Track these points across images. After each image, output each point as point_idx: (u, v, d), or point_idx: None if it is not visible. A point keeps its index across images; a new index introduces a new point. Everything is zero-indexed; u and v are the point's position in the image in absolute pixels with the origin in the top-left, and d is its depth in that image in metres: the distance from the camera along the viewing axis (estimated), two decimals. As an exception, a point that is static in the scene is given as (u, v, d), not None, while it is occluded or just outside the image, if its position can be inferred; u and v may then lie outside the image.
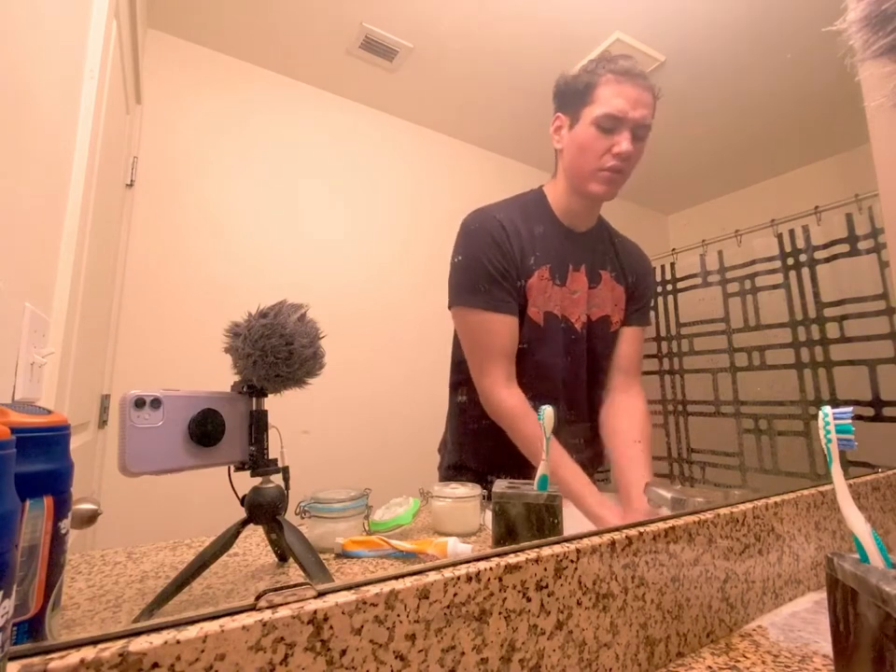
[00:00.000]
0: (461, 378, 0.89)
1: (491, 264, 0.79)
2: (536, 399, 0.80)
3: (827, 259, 1.66)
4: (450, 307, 0.84)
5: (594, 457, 0.88)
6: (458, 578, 0.32)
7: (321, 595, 0.28)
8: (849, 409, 0.35)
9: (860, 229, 1.59)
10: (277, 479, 0.48)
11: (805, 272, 1.72)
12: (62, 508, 0.30)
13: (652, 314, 2.20)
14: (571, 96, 0.82)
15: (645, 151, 0.81)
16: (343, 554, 0.57)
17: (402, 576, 0.31)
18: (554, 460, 0.74)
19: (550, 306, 0.82)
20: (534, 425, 0.72)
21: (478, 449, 0.88)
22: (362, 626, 0.28)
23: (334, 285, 1.60)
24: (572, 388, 0.84)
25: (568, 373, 0.84)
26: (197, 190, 1.47)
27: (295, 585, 0.28)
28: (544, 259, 0.82)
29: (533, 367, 0.82)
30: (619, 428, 0.83)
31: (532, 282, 0.81)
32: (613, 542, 0.40)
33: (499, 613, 0.33)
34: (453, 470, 0.91)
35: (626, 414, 0.85)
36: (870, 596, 0.33)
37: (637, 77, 0.78)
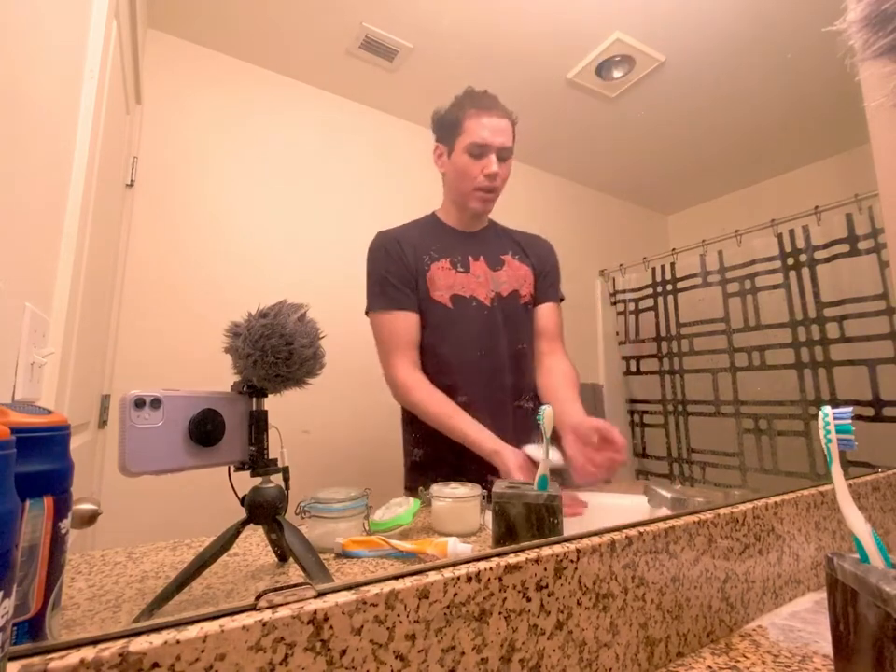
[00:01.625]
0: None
1: (387, 271, 0.93)
2: (461, 371, 0.91)
3: (827, 259, 1.66)
4: (366, 314, 0.96)
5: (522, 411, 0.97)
6: (458, 578, 0.32)
7: (321, 595, 0.28)
8: (849, 409, 0.35)
9: (860, 229, 1.59)
10: (277, 479, 0.48)
11: (805, 272, 1.72)
12: (62, 508, 0.30)
13: (652, 314, 2.21)
14: (445, 129, 0.96)
15: (510, 171, 0.96)
16: (343, 554, 0.57)
17: (402, 576, 0.31)
18: (446, 412, 0.84)
19: (456, 289, 0.94)
20: (429, 392, 0.87)
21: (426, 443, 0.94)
22: (362, 626, 0.28)
23: (334, 285, 1.60)
24: (493, 356, 0.95)
25: (486, 343, 0.94)
26: (197, 190, 1.47)
27: (295, 585, 0.28)
28: (442, 255, 0.95)
29: (452, 343, 0.93)
30: (547, 384, 0.96)
31: (431, 274, 0.93)
32: (613, 542, 0.40)
33: (499, 613, 0.33)
34: (413, 472, 0.95)
35: (552, 372, 0.97)
36: (870, 596, 0.33)
37: (495, 110, 0.93)
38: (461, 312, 0.93)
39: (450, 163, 0.96)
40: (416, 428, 0.93)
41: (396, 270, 0.93)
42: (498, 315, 0.95)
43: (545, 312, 1.02)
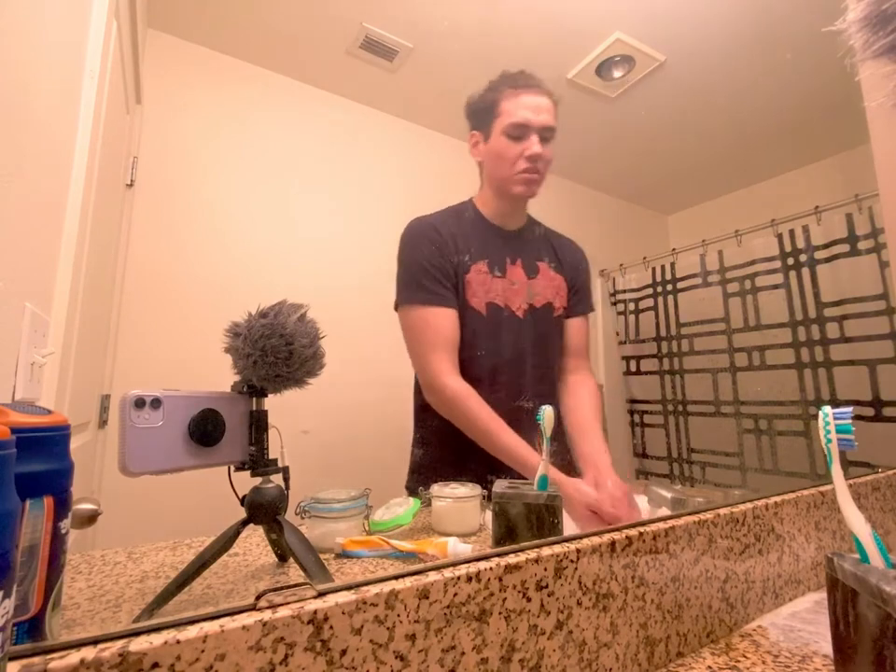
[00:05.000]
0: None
1: (428, 262, 0.86)
2: (482, 383, 0.85)
3: (827, 259, 1.66)
4: (395, 309, 0.90)
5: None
6: (458, 578, 0.32)
7: (321, 594, 0.28)
8: (849, 409, 0.35)
9: (860, 229, 1.59)
10: (277, 479, 0.48)
11: (805, 272, 1.72)
12: (62, 508, 0.30)
13: (652, 314, 2.21)
14: (481, 114, 0.89)
15: (553, 153, 0.89)
16: (343, 554, 0.57)
17: (402, 576, 0.31)
18: (496, 429, 0.78)
19: (491, 296, 0.88)
20: (478, 404, 0.79)
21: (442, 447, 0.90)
22: (362, 626, 0.28)
23: (334, 285, 1.60)
24: (518, 371, 0.89)
25: (513, 357, 0.89)
26: (197, 190, 1.47)
27: (295, 585, 0.28)
28: (480, 256, 0.89)
29: (479, 354, 0.87)
30: (571, 405, 0.90)
31: (470, 277, 0.87)
32: (613, 542, 0.40)
33: (499, 613, 0.33)
34: (416, 474, 0.92)
35: (578, 393, 0.92)
36: (870, 596, 0.33)
37: (534, 86, 0.85)
38: (493, 322, 0.87)
39: (487, 149, 0.89)
40: (427, 427, 0.90)
41: (438, 262, 0.85)
42: (530, 330, 0.90)
43: (575, 326, 0.96)
